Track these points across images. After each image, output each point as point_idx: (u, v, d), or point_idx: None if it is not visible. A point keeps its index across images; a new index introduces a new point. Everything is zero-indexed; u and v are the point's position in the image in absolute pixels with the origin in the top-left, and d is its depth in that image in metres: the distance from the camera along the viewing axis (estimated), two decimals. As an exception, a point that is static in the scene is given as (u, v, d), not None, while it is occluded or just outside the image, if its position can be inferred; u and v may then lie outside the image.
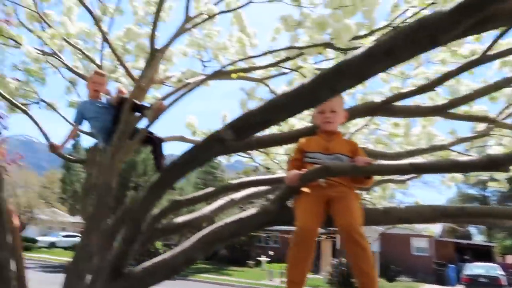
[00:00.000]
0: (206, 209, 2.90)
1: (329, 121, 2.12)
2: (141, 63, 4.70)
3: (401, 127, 3.87)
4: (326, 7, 2.80)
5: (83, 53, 4.18)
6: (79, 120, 3.46)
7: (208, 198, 2.73)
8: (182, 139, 3.91)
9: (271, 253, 24.89)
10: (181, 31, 3.45)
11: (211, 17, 3.06)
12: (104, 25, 4.74)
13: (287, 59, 3.28)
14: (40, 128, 3.45)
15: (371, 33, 2.87)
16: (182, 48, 4.79)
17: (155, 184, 1.89)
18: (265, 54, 3.04)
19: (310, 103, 1.52)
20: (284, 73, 3.83)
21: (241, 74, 3.26)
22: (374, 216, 1.97)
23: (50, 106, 4.11)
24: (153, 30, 3.01)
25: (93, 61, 4.23)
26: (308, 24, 3.13)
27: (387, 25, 2.92)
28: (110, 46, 3.40)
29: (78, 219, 34.15)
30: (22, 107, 3.52)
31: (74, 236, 37.01)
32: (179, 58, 4.85)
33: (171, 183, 1.90)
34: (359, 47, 2.90)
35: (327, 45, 2.64)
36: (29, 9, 4.02)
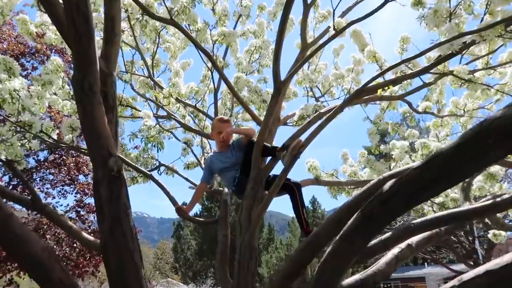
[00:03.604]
0: (381, 262, 2.21)
1: None
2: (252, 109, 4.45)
3: None
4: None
5: (197, 109, 4.02)
6: (207, 177, 3.11)
7: (386, 247, 2.05)
8: (317, 182, 3.35)
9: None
10: (301, 60, 3.04)
11: (339, 31, 2.57)
12: (211, 79, 4.68)
13: (436, 63, 2.61)
14: (167, 192, 3.18)
15: None
16: (291, 89, 4.48)
17: (350, 234, 1.29)
18: (417, 56, 2.41)
19: None
20: (429, 84, 3.15)
21: (383, 90, 2.65)
22: None
23: (171, 169, 3.92)
24: (276, 62, 2.61)
25: (206, 115, 4.04)
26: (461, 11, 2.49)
27: None
28: (233, 92, 3.09)
29: (191, 287, 34.83)
30: (148, 173, 3.32)
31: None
32: (289, 98, 4.53)
33: (379, 229, 1.29)
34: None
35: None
36: (143, 75, 4.05)
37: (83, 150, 3.11)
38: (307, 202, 30.87)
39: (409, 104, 3.38)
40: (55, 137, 3.12)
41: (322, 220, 27.67)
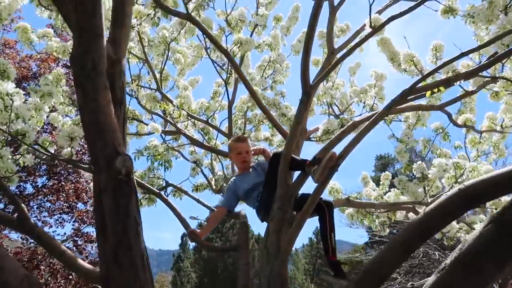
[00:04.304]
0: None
1: None
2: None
3: None
4: None
5: (209, 123, 3.69)
6: (230, 203, 2.72)
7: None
8: (348, 203, 2.95)
9: None
10: (331, 63, 2.73)
11: (378, 28, 2.26)
12: (222, 96, 4.39)
13: (491, 63, 2.28)
14: (178, 214, 2.78)
15: None
16: (315, 101, 4.19)
17: (477, 256, 0.87)
18: (477, 49, 2.08)
19: None
20: (471, 93, 2.82)
21: (432, 93, 2.30)
22: None
23: (179, 189, 3.53)
24: (306, 63, 2.28)
25: (218, 130, 3.71)
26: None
27: None
28: (254, 97, 2.76)
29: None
30: (156, 191, 2.93)
31: None
32: (312, 111, 4.23)
33: None
34: None
35: None
36: (150, 88, 3.74)
37: (83, 166, 2.73)
38: (310, 234, 29.83)
39: (449, 116, 3.03)
40: (52, 151, 2.77)
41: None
